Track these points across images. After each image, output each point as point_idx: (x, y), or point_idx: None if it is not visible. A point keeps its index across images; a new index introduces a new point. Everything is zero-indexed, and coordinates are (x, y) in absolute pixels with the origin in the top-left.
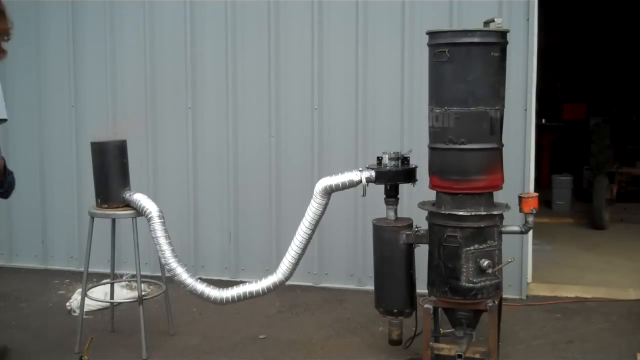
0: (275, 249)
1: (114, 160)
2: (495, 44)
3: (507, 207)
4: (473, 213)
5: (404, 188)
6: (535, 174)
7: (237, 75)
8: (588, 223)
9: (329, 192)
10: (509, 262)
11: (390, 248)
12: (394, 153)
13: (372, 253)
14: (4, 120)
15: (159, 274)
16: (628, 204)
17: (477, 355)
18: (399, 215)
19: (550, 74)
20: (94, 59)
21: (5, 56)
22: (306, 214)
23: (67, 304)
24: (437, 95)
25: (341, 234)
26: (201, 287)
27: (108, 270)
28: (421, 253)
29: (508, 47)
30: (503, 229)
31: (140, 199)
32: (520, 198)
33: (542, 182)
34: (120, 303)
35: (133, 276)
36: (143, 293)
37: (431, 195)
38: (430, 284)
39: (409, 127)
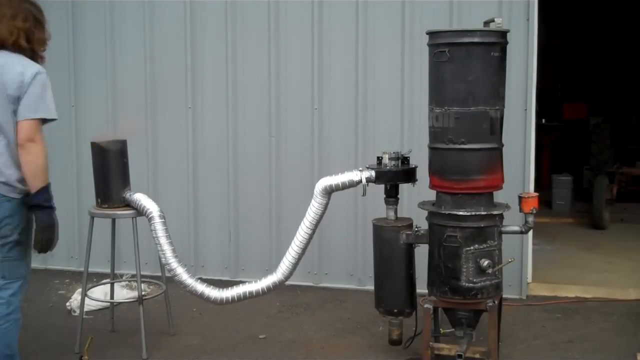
0: (275, 249)
1: (115, 160)
2: (495, 44)
3: (507, 207)
4: (473, 213)
5: (404, 188)
6: (535, 174)
7: (237, 75)
8: (588, 223)
9: (329, 192)
10: (509, 262)
11: (390, 248)
12: (394, 153)
13: (372, 253)
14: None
15: (159, 274)
16: (628, 204)
17: (477, 355)
18: (399, 215)
19: (550, 74)
20: (94, 59)
21: (44, 62)
22: (307, 213)
23: (67, 304)
24: (437, 95)
25: (341, 234)
26: (201, 287)
27: (108, 270)
28: (421, 253)
29: (508, 47)
30: (503, 229)
31: (140, 198)
32: (520, 198)
33: (542, 182)
34: (120, 303)
35: (133, 276)
36: (143, 293)
37: (431, 195)
38: (430, 284)
39: (409, 127)
